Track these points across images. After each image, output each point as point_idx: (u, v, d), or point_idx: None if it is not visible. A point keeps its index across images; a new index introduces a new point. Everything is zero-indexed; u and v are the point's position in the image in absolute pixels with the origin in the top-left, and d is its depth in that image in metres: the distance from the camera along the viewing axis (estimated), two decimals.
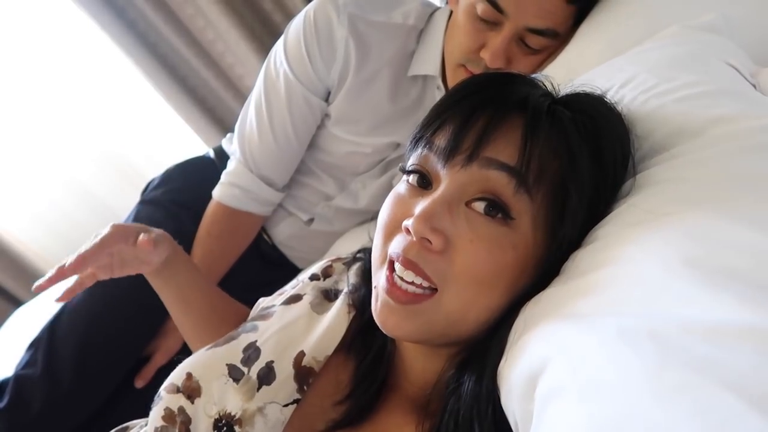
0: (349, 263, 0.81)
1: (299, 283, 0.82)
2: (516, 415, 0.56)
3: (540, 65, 1.06)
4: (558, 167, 0.59)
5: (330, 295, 0.77)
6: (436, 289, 0.59)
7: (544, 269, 0.61)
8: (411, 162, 0.64)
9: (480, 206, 0.58)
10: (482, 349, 0.62)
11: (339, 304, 0.74)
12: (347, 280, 0.77)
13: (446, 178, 0.60)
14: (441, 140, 0.61)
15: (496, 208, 0.58)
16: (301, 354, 0.69)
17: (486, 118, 0.60)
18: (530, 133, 0.59)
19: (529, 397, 0.54)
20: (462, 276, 0.58)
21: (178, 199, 1.38)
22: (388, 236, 0.63)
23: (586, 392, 0.47)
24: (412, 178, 0.63)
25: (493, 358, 0.60)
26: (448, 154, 0.60)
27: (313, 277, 0.80)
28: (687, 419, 0.40)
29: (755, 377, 0.39)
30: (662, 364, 0.44)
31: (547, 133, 0.59)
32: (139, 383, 1.25)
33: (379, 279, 0.62)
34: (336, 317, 0.72)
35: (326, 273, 0.81)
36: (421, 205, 0.59)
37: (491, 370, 0.60)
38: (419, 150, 0.63)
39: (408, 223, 0.58)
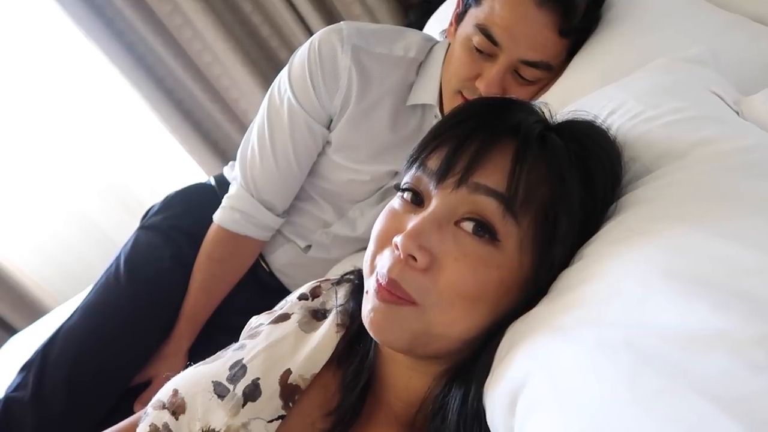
0: (337, 284, 0.81)
1: (287, 302, 0.82)
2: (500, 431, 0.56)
3: (534, 96, 1.08)
4: (547, 193, 0.60)
5: (318, 315, 0.77)
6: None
7: (531, 290, 0.62)
8: (405, 180, 0.66)
9: (468, 226, 0.60)
10: (468, 368, 0.63)
11: (328, 323, 0.74)
12: (335, 300, 0.77)
13: (437, 198, 0.62)
14: (434, 163, 0.63)
15: (484, 229, 0.59)
16: (288, 372, 0.69)
17: (478, 143, 0.61)
18: (520, 160, 0.60)
19: (511, 412, 0.54)
20: (446, 292, 0.59)
21: (177, 225, 1.39)
22: (380, 247, 0.64)
23: (565, 402, 0.48)
24: (406, 195, 0.65)
25: (480, 377, 0.60)
26: (440, 177, 0.61)
27: (302, 297, 0.81)
28: (661, 425, 0.41)
29: (726, 382, 0.40)
30: (639, 372, 0.45)
31: (537, 159, 0.60)
32: (139, 408, 1.24)
33: (370, 284, 0.63)
34: (324, 336, 0.72)
35: (314, 293, 0.81)
36: (411, 223, 0.61)
37: (477, 389, 0.60)
38: (413, 170, 0.65)
39: (397, 239, 0.59)
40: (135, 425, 0.73)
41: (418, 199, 0.64)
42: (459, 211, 0.60)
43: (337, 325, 0.73)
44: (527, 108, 0.67)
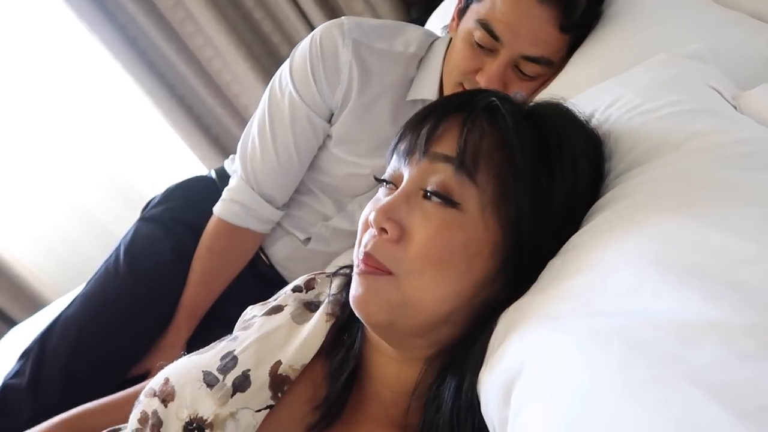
0: (331, 276, 0.82)
1: (281, 294, 0.83)
2: (494, 422, 0.56)
3: (535, 91, 1.08)
4: (500, 157, 0.64)
5: (311, 307, 0.78)
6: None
7: (505, 263, 0.63)
8: (386, 172, 0.71)
9: (431, 196, 0.64)
10: (461, 357, 0.63)
11: (319, 314, 0.75)
12: (329, 290, 0.78)
13: (406, 175, 0.67)
14: (403, 145, 0.69)
15: (443, 197, 0.63)
16: (278, 363, 0.69)
17: (434, 119, 0.67)
18: (466, 123, 0.65)
19: (506, 403, 0.54)
20: (416, 258, 0.62)
21: (177, 217, 1.39)
22: (364, 232, 0.68)
23: (558, 391, 0.48)
24: (385, 185, 0.70)
25: (473, 366, 0.61)
26: (406, 155, 0.67)
27: (296, 289, 0.82)
28: (652, 413, 0.41)
29: (717, 370, 0.40)
30: (630, 361, 0.45)
31: (488, 126, 0.65)
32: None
33: (356, 267, 0.67)
34: (315, 326, 0.73)
35: (309, 285, 0.82)
36: (384, 201, 0.66)
37: (471, 378, 0.61)
38: (391, 158, 0.70)
39: (371, 216, 0.64)
40: (129, 398, 0.74)
41: (395, 186, 0.68)
42: (424, 181, 0.64)
43: (327, 314, 0.74)
44: (492, 92, 0.70)
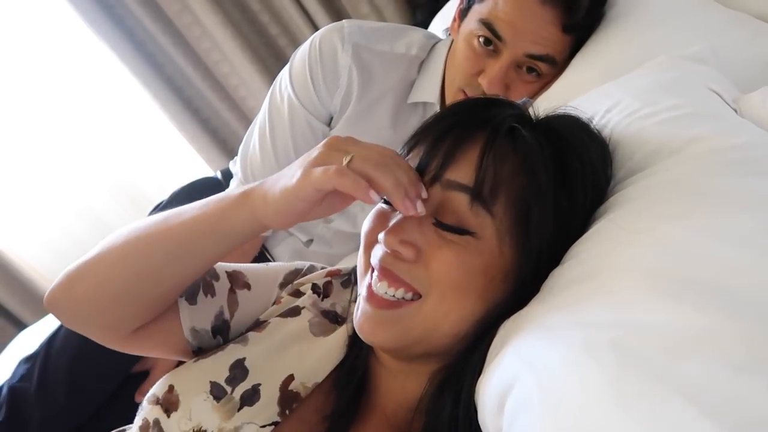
0: (346, 282, 0.80)
1: (299, 291, 0.78)
2: (490, 430, 0.56)
3: (537, 93, 1.07)
4: (520, 184, 0.61)
5: (329, 316, 0.76)
6: (419, 296, 0.61)
7: (519, 285, 0.62)
8: None
9: (445, 228, 0.61)
10: (462, 367, 0.63)
11: (339, 333, 0.73)
12: (349, 304, 0.77)
13: None
14: (412, 162, 0.64)
15: (455, 230, 0.60)
16: (290, 378, 0.68)
17: (451, 141, 0.63)
18: (486, 152, 0.61)
19: (500, 412, 0.54)
20: (440, 280, 0.60)
21: None
22: (369, 246, 0.65)
23: (550, 403, 0.48)
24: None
25: (472, 376, 0.60)
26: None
27: (315, 289, 0.78)
28: (640, 427, 0.40)
29: (709, 384, 0.40)
30: (622, 374, 0.44)
31: (505, 151, 0.61)
32: (139, 398, 1.25)
33: (362, 288, 0.65)
34: (333, 345, 0.72)
35: (326, 291, 0.79)
36: (394, 220, 0.62)
37: (469, 388, 0.60)
38: None
39: (381, 236, 0.61)
40: None
41: None
42: (436, 209, 0.61)
43: (349, 336, 0.72)
44: (506, 104, 0.67)
